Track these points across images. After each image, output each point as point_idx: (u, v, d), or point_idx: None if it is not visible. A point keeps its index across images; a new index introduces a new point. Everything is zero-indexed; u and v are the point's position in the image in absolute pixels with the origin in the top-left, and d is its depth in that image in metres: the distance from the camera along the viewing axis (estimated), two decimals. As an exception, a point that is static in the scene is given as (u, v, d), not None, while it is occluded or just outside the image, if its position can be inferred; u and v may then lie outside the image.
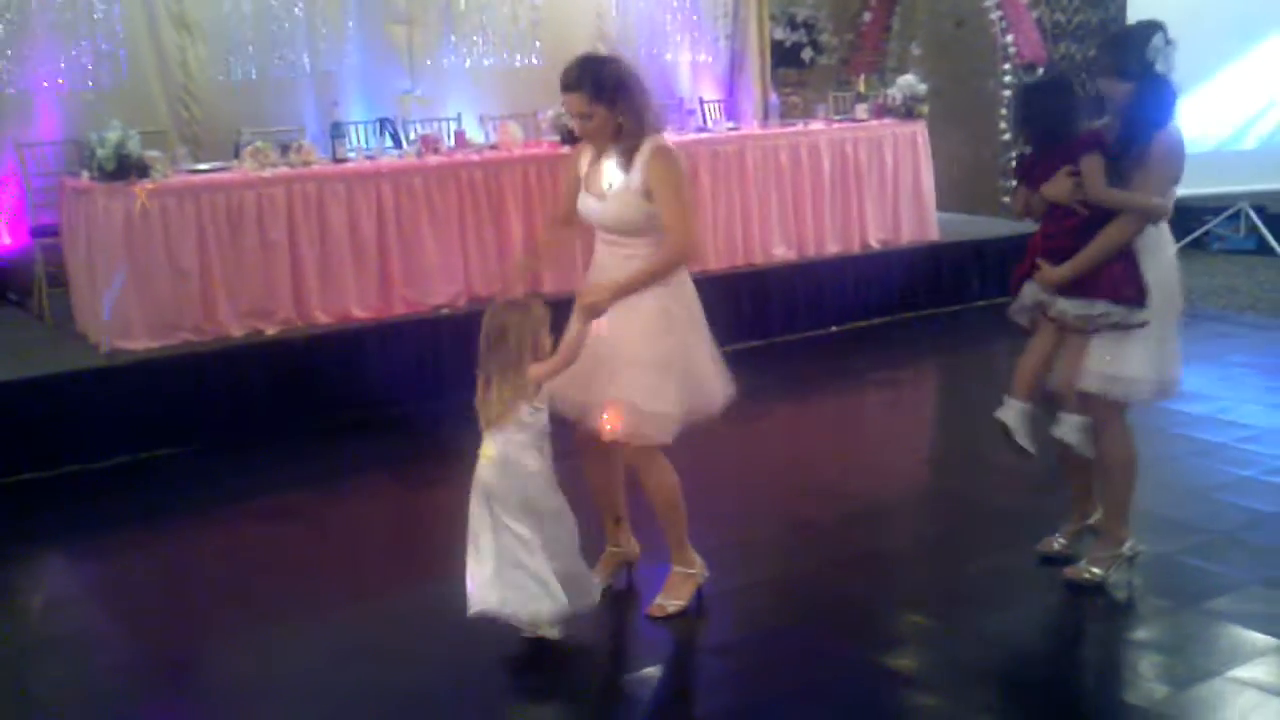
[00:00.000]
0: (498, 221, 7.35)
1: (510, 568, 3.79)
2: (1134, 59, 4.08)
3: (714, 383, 4.11)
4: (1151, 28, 4.13)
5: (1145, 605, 4.23)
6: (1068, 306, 4.15)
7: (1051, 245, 4.18)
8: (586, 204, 4.10)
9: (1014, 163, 4.32)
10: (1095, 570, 4.26)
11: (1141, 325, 4.07)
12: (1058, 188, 4.13)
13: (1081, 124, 4.20)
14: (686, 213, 3.98)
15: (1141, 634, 4.08)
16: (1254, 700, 3.58)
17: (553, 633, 3.87)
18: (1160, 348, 4.16)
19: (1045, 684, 3.80)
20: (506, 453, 3.80)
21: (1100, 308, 4.08)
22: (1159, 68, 4.08)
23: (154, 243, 6.40)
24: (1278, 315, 8.34)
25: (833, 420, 6.85)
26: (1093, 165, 4.05)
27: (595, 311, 3.84)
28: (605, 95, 3.93)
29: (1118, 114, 4.13)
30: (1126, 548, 4.31)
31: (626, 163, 3.99)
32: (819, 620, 4.18)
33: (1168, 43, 4.10)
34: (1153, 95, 4.05)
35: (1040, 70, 10.14)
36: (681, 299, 4.07)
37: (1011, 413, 4.30)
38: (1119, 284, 4.06)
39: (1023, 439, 4.29)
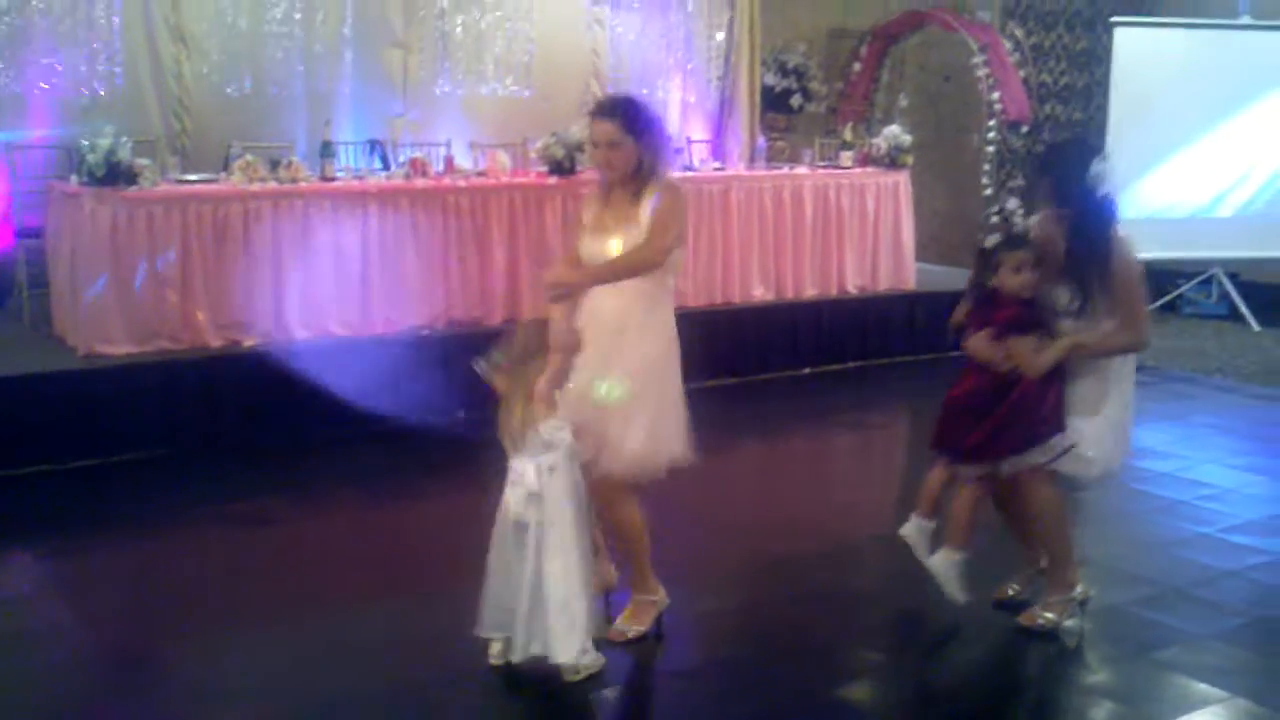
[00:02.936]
0: (481, 247, 7.43)
1: (548, 605, 3.74)
2: (1074, 185, 4.09)
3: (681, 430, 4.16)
4: (1089, 151, 4.16)
5: (1095, 653, 4.29)
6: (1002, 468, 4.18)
7: (973, 403, 4.19)
8: (592, 248, 4.11)
9: (974, 272, 4.31)
10: (1049, 615, 4.32)
11: (1066, 451, 4.11)
12: (984, 351, 4.15)
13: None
14: (668, 234, 4.02)
15: (1090, 680, 4.14)
16: (1196, 748, 3.65)
17: (585, 668, 3.85)
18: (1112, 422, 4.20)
19: (993, 724, 3.86)
20: (540, 481, 3.74)
21: (1033, 456, 4.12)
22: (1099, 193, 4.09)
23: (138, 250, 6.45)
24: (1244, 379, 8.45)
25: (802, 459, 6.92)
26: (1022, 348, 4.08)
27: (560, 289, 3.96)
28: (637, 128, 4.04)
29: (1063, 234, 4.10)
30: (1077, 591, 4.38)
31: (636, 200, 4.05)
32: (776, 650, 4.23)
33: (1104, 161, 4.12)
34: (1095, 222, 4.07)
35: (1024, 128, 10.30)
36: (674, 341, 4.14)
37: (912, 528, 4.44)
38: (1036, 423, 4.08)
39: (921, 555, 4.41)
